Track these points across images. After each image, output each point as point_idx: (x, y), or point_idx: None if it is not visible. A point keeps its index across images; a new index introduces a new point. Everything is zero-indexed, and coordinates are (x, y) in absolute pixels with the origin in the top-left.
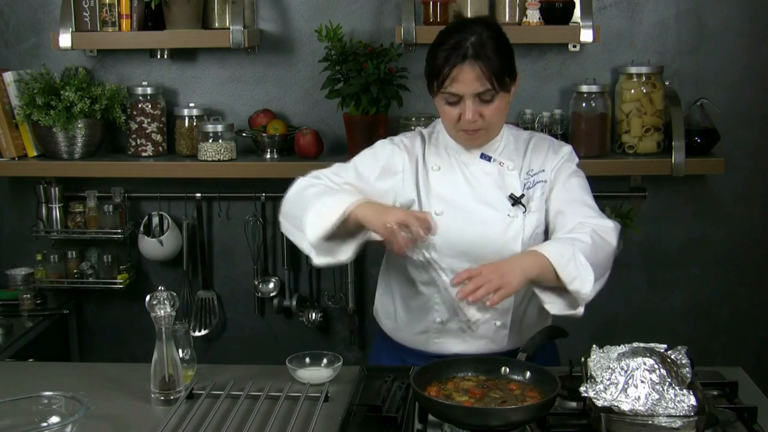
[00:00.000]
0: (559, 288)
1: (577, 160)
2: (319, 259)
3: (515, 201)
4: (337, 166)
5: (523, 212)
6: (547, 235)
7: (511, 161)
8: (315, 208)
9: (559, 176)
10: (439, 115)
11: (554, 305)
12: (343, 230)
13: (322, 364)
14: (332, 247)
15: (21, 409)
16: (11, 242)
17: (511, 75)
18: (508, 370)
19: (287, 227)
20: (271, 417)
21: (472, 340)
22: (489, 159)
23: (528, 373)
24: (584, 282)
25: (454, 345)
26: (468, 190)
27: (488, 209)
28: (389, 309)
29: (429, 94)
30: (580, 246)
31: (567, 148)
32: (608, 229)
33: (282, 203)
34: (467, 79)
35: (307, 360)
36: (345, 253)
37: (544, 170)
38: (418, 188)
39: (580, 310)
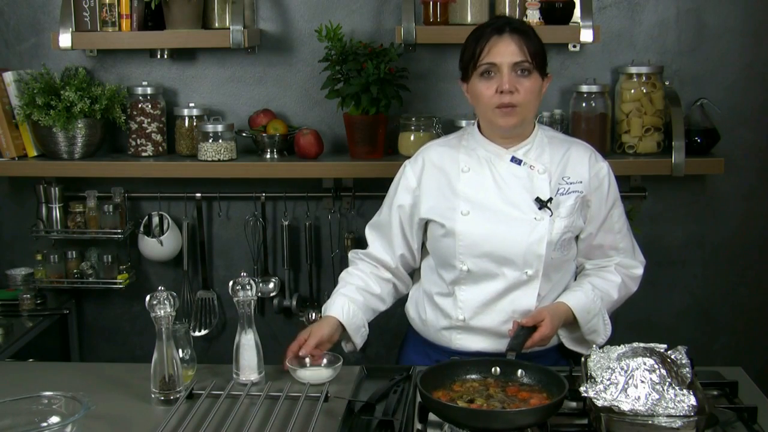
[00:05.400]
0: (573, 326)
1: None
2: (345, 346)
3: (542, 204)
4: (379, 210)
5: (550, 216)
6: (577, 240)
7: (542, 165)
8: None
9: (604, 202)
10: (475, 101)
11: (567, 340)
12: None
13: (322, 364)
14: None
15: (21, 409)
16: (11, 242)
17: (545, 62)
18: (499, 369)
19: None
20: (271, 417)
21: (495, 339)
22: (519, 162)
23: (519, 371)
24: (600, 335)
25: (476, 342)
26: (495, 191)
27: (514, 211)
28: (419, 306)
29: (461, 85)
30: (608, 301)
31: (607, 166)
32: (636, 279)
33: None
34: (504, 50)
35: (307, 360)
36: (348, 343)
37: (581, 181)
38: (433, 196)
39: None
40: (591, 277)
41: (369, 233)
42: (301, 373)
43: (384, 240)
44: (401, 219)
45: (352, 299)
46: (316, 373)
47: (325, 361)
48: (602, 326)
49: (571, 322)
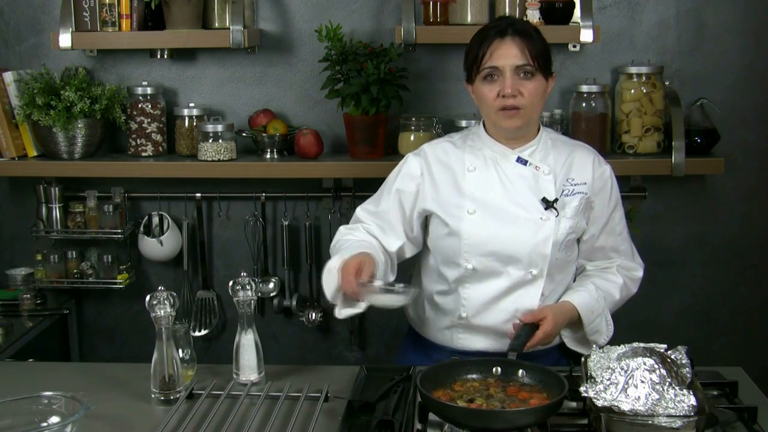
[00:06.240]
0: (575, 326)
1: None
2: (340, 312)
3: (548, 205)
4: (369, 199)
5: (556, 216)
6: (578, 242)
7: (547, 166)
8: (327, 266)
9: (607, 204)
10: (479, 102)
11: (569, 340)
12: None
13: (396, 290)
14: (349, 298)
15: (21, 409)
16: (11, 242)
17: (549, 63)
18: (499, 369)
19: None
20: (271, 417)
21: (496, 338)
22: (525, 163)
23: (520, 371)
24: (602, 335)
25: (478, 342)
26: (501, 191)
27: (520, 210)
28: (417, 305)
29: (466, 87)
30: (610, 302)
31: (610, 169)
32: (636, 281)
33: None
34: (506, 52)
35: (377, 283)
36: (360, 303)
37: (585, 183)
38: (440, 191)
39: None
40: (593, 277)
41: (365, 217)
42: (374, 297)
43: (385, 227)
44: (402, 203)
45: (373, 256)
46: (389, 298)
47: (400, 286)
48: (605, 326)
49: (575, 322)
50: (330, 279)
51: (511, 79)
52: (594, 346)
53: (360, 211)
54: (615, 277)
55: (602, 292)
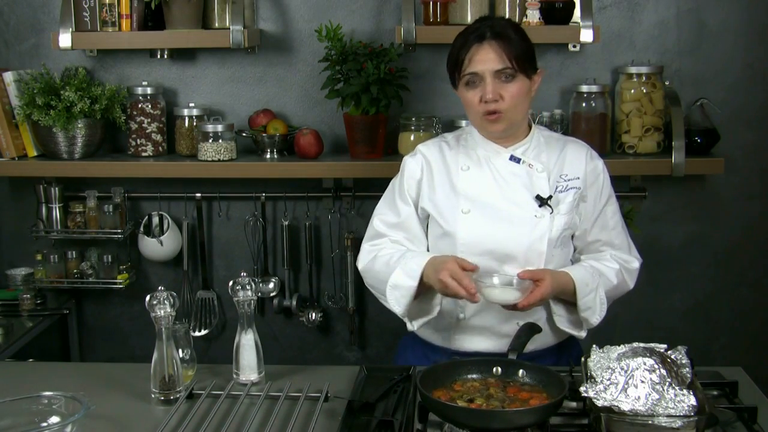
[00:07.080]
0: (570, 306)
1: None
2: (412, 324)
3: (542, 202)
4: (381, 207)
5: (551, 213)
6: (573, 238)
7: (540, 163)
8: (390, 283)
9: (598, 198)
10: (465, 107)
11: (562, 319)
12: (423, 288)
13: (513, 285)
14: (421, 306)
15: (21, 409)
16: (11, 242)
17: (531, 61)
18: (500, 369)
19: (377, 296)
20: (271, 417)
21: (495, 338)
22: (518, 161)
23: (521, 371)
24: (595, 314)
25: (476, 342)
26: (496, 189)
27: (515, 208)
28: None
29: (453, 90)
30: (606, 283)
31: (602, 164)
32: (632, 271)
33: (362, 274)
34: (485, 57)
35: (495, 280)
36: (435, 307)
37: (579, 177)
38: (436, 191)
39: (583, 334)
40: (589, 261)
41: (386, 230)
42: (491, 293)
43: (411, 237)
44: (416, 207)
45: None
46: (507, 293)
47: (514, 282)
48: (598, 304)
49: (570, 295)
50: (401, 295)
51: (491, 84)
52: (594, 345)
53: (380, 225)
54: (610, 262)
55: (597, 271)
